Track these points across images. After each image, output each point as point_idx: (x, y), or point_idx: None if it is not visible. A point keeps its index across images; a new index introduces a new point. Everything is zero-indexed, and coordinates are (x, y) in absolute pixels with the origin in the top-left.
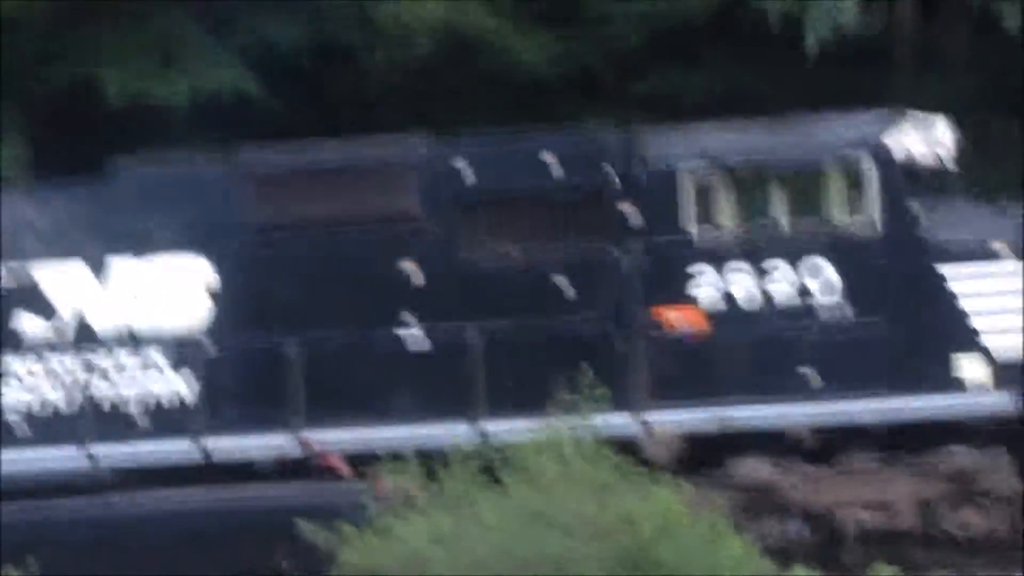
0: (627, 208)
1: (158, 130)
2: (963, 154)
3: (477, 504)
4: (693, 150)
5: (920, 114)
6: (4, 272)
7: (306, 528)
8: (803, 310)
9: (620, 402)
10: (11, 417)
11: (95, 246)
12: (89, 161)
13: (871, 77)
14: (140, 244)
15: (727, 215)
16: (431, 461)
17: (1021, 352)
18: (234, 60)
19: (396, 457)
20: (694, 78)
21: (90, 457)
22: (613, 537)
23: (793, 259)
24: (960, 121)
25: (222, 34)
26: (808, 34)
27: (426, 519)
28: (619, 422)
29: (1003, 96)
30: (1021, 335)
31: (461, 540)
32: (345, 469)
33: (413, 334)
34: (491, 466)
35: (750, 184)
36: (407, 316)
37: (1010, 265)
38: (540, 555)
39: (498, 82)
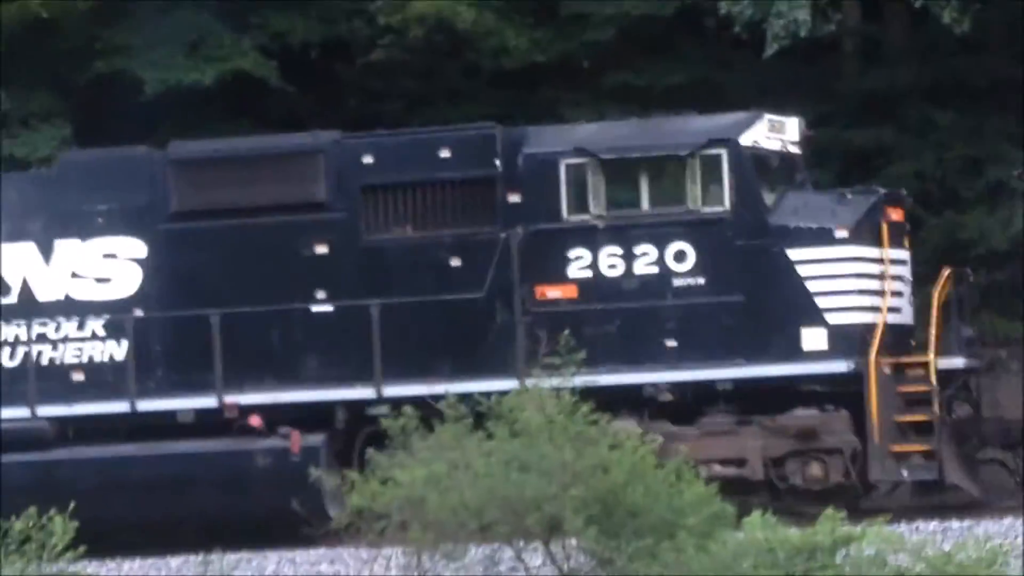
0: (512, 196)
1: (188, 114)
2: (811, 149)
3: (467, 452)
4: (570, 145)
5: (776, 116)
6: None
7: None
8: (665, 287)
9: (503, 368)
10: None
11: (43, 228)
12: (130, 141)
13: (821, 70)
14: (81, 226)
15: (600, 203)
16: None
17: (855, 323)
18: (252, 50)
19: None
20: (662, 71)
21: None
22: (588, 481)
23: (657, 241)
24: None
25: (240, 28)
26: (769, 44)
27: (423, 465)
28: (505, 386)
29: (940, 87)
30: (856, 310)
31: (453, 484)
32: (260, 426)
33: (322, 308)
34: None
35: (620, 175)
36: (317, 291)
37: (848, 248)
38: (522, 497)
39: (486, 71)
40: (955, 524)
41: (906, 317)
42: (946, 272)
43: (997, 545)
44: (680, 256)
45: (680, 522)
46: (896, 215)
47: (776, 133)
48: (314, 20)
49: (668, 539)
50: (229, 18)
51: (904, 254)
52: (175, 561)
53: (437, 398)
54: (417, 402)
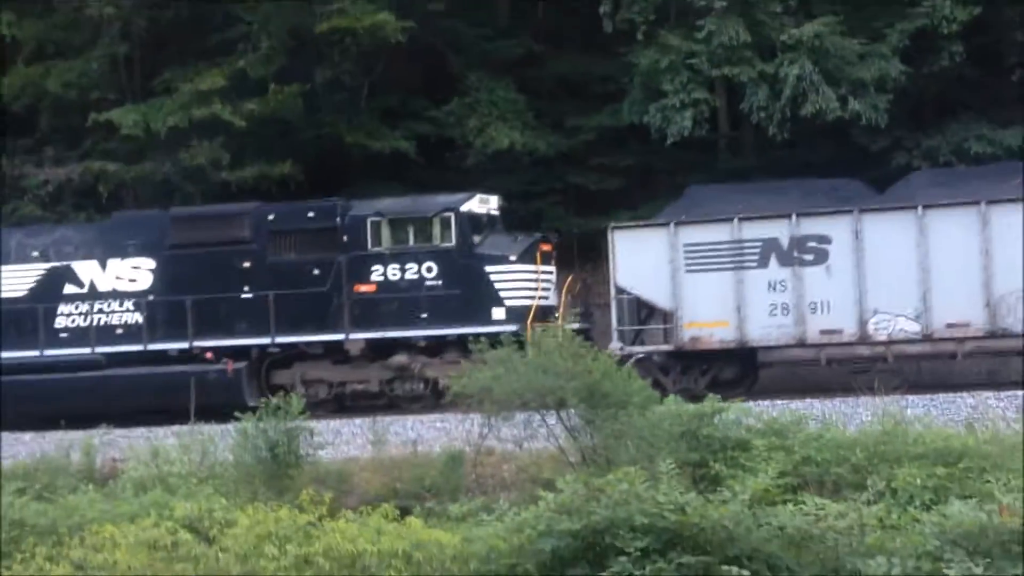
0: (345, 237)
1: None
2: (505, 212)
3: (514, 362)
4: (372, 210)
5: (484, 195)
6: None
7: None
8: (421, 286)
9: (337, 327)
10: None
11: (102, 252)
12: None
13: (704, 156)
14: (120, 253)
15: (387, 240)
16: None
17: (520, 305)
18: None
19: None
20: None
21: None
22: (580, 378)
23: (417, 261)
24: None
25: None
26: (669, 137)
27: (490, 369)
28: (337, 336)
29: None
30: (520, 298)
31: (507, 380)
32: (212, 358)
33: (246, 295)
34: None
35: (399, 226)
36: (243, 287)
37: (517, 266)
38: (544, 387)
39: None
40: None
41: (551, 301)
42: (569, 277)
43: (803, 413)
44: (429, 269)
45: (630, 400)
46: (546, 247)
47: (483, 204)
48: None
49: (622, 409)
50: None
51: (550, 268)
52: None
53: (305, 343)
54: (290, 346)
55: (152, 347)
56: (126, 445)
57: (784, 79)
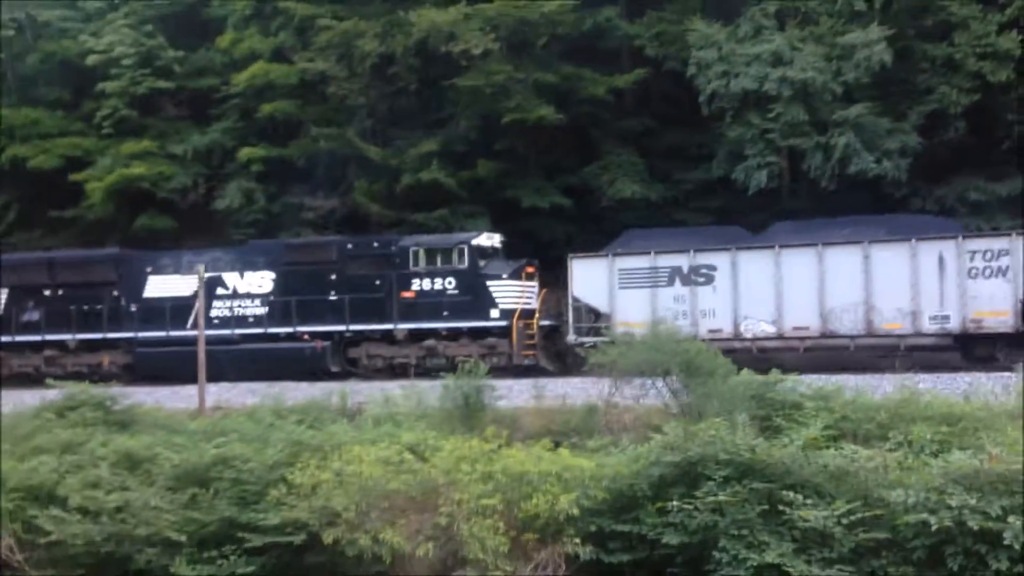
0: (396, 260)
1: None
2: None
3: (634, 345)
4: (412, 242)
5: (491, 232)
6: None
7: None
8: (444, 292)
9: (390, 320)
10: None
11: (240, 267)
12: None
13: (772, 201)
14: (253, 267)
15: (423, 263)
16: None
17: (510, 308)
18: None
19: None
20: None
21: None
22: (680, 355)
23: (442, 277)
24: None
25: None
26: (751, 188)
27: (617, 348)
28: (389, 326)
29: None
30: (509, 303)
31: (627, 355)
32: (308, 338)
33: (333, 297)
34: None
35: (430, 253)
36: (330, 292)
37: (508, 281)
38: (655, 361)
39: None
40: (829, 376)
41: (533, 306)
42: (544, 291)
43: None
44: (449, 282)
45: (715, 371)
46: (530, 269)
47: (489, 239)
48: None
49: (710, 377)
50: None
51: (533, 283)
52: (508, 382)
53: (369, 330)
54: (359, 332)
55: (270, 331)
56: (367, 393)
57: (835, 147)
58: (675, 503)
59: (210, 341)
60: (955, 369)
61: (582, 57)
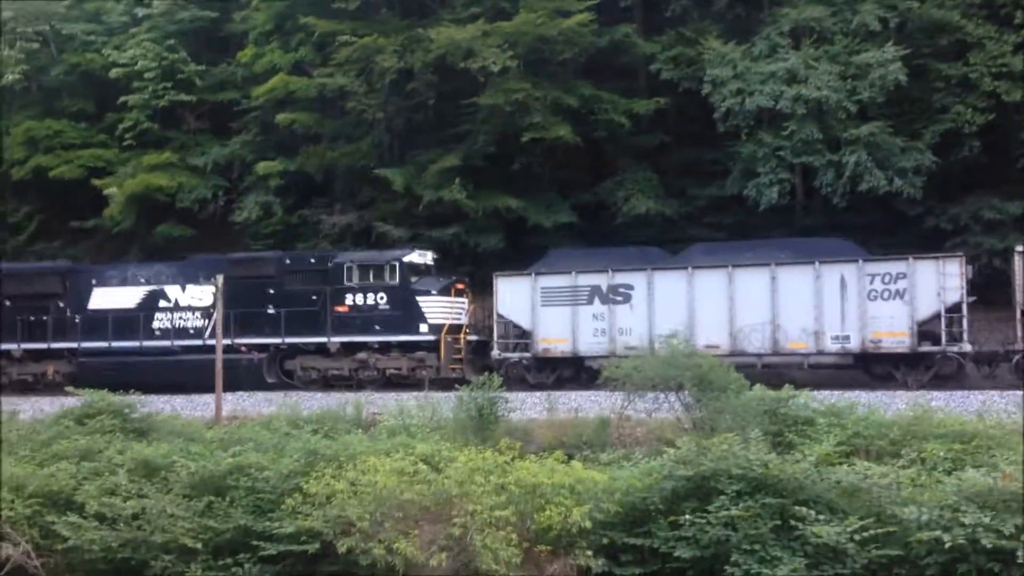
0: (331, 276)
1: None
2: (445, 261)
3: (647, 360)
4: (347, 259)
5: (422, 249)
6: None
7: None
8: (376, 307)
9: (324, 333)
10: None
11: (182, 280)
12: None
13: (784, 217)
14: (195, 281)
15: (356, 279)
16: None
17: (438, 323)
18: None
19: None
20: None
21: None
22: (693, 370)
23: (374, 292)
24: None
25: None
26: (762, 204)
27: (630, 364)
28: (323, 339)
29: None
30: (438, 318)
31: (641, 369)
32: (244, 350)
33: (270, 310)
34: None
35: (363, 269)
36: (268, 305)
37: (437, 297)
38: (668, 375)
39: None
40: (842, 392)
41: (462, 321)
42: (472, 306)
43: (854, 401)
44: (382, 298)
45: (728, 386)
46: (460, 286)
47: (421, 257)
48: None
49: (723, 392)
50: None
51: (463, 299)
52: (521, 394)
53: (303, 343)
54: (294, 344)
55: (209, 342)
56: (381, 404)
57: (846, 164)
58: (687, 517)
59: (151, 352)
60: (968, 388)
61: (599, 74)
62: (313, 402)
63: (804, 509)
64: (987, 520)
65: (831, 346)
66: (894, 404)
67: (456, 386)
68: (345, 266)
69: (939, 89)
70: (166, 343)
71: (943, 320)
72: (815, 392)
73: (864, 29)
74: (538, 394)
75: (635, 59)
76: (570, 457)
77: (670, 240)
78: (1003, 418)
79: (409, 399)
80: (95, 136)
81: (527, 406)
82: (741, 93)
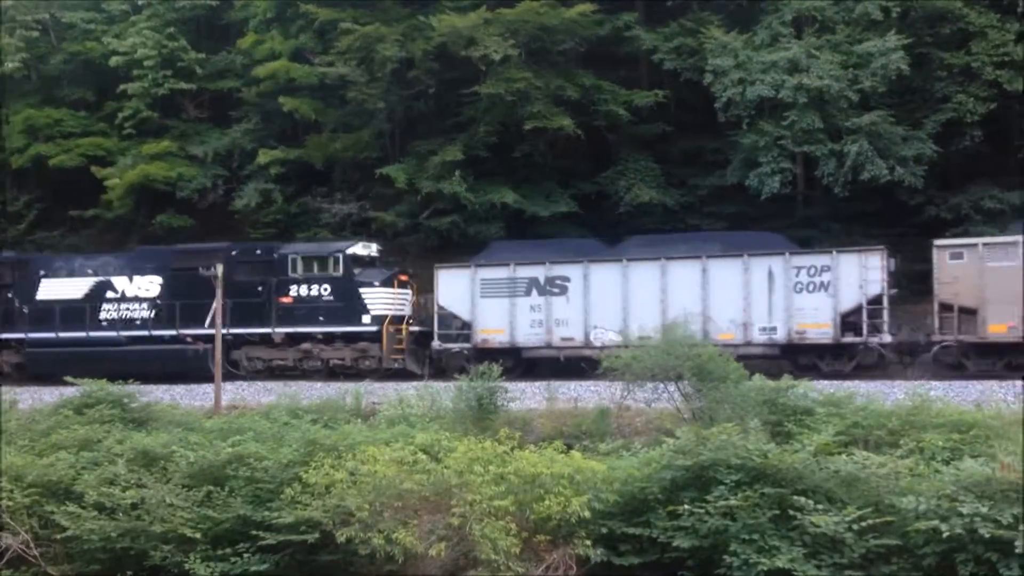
0: (276, 267)
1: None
2: (385, 253)
3: (647, 349)
4: (291, 250)
5: (367, 242)
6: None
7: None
8: (320, 298)
9: (269, 324)
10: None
11: (129, 272)
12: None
13: (785, 207)
14: (142, 272)
15: (300, 270)
16: None
17: (381, 314)
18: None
19: None
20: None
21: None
22: (692, 359)
23: (319, 284)
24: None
25: None
26: (763, 193)
27: (629, 354)
28: (268, 330)
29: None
30: (381, 309)
31: (639, 359)
32: (191, 340)
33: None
34: None
35: (308, 261)
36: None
37: (379, 288)
38: (667, 365)
39: None
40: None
41: (405, 312)
42: (416, 298)
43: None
44: (325, 289)
45: (728, 377)
46: (403, 277)
47: (365, 248)
48: None
49: (722, 382)
50: None
51: (406, 291)
52: (521, 384)
53: (248, 334)
54: (240, 335)
55: (155, 333)
56: (381, 394)
57: (847, 154)
58: (686, 507)
59: (98, 343)
60: (965, 378)
61: (600, 62)
62: (313, 392)
63: (803, 499)
64: (985, 510)
65: (759, 337)
66: (893, 394)
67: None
68: (290, 258)
69: (941, 78)
70: (113, 334)
71: (864, 312)
72: (813, 382)
73: (866, 18)
74: (537, 384)
75: (636, 48)
76: (569, 447)
77: (671, 230)
78: (1002, 408)
79: (408, 389)
80: (95, 125)
81: (527, 396)
82: (743, 82)
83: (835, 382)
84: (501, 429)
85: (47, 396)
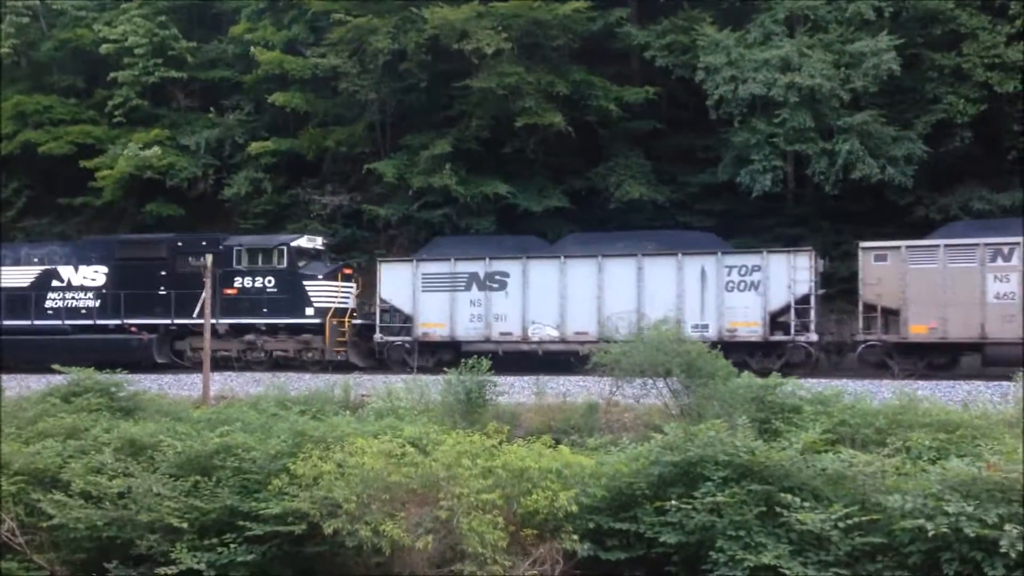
0: (221, 258)
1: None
2: (332, 247)
3: (636, 345)
4: (236, 242)
5: (312, 236)
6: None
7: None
8: (264, 290)
9: (214, 315)
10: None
11: (75, 261)
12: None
13: (776, 205)
14: (87, 262)
15: (245, 262)
16: None
17: (324, 307)
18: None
19: None
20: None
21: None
22: (681, 356)
23: (263, 276)
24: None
25: None
26: (754, 192)
27: (618, 349)
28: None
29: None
30: (324, 302)
31: (629, 356)
32: (135, 330)
33: (161, 292)
34: None
35: (253, 253)
36: (159, 287)
37: (323, 281)
38: (657, 361)
39: None
40: (828, 380)
41: (348, 305)
42: (359, 291)
43: (841, 389)
44: (270, 281)
45: (716, 373)
46: (347, 271)
47: (310, 242)
48: None
49: (711, 379)
50: None
51: (350, 284)
52: (510, 378)
53: (192, 324)
54: (184, 325)
55: (100, 322)
56: (370, 386)
57: (838, 153)
58: (673, 503)
59: (43, 331)
60: (953, 377)
61: (592, 58)
62: (301, 383)
63: (789, 496)
64: (970, 509)
65: (691, 334)
66: (881, 393)
67: (329, 368)
68: (235, 249)
69: (932, 79)
70: (57, 322)
71: (793, 311)
72: (802, 380)
73: (859, 18)
74: (526, 378)
75: (628, 45)
76: (557, 442)
77: (662, 226)
78: (988, 408)
79: (397, 381)
80: (84, 112)
81: (515, 390)
82: (734, 80)
83: (823, 380)
84: (489, 423)
85: (34, 384)
